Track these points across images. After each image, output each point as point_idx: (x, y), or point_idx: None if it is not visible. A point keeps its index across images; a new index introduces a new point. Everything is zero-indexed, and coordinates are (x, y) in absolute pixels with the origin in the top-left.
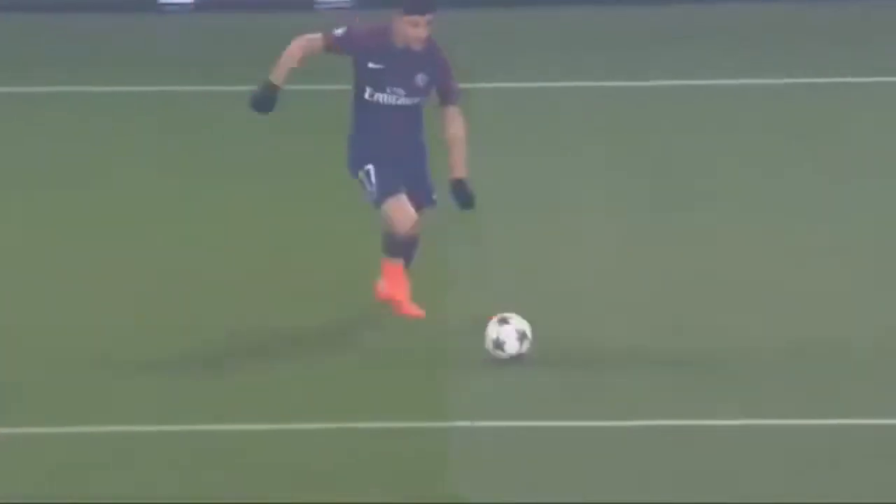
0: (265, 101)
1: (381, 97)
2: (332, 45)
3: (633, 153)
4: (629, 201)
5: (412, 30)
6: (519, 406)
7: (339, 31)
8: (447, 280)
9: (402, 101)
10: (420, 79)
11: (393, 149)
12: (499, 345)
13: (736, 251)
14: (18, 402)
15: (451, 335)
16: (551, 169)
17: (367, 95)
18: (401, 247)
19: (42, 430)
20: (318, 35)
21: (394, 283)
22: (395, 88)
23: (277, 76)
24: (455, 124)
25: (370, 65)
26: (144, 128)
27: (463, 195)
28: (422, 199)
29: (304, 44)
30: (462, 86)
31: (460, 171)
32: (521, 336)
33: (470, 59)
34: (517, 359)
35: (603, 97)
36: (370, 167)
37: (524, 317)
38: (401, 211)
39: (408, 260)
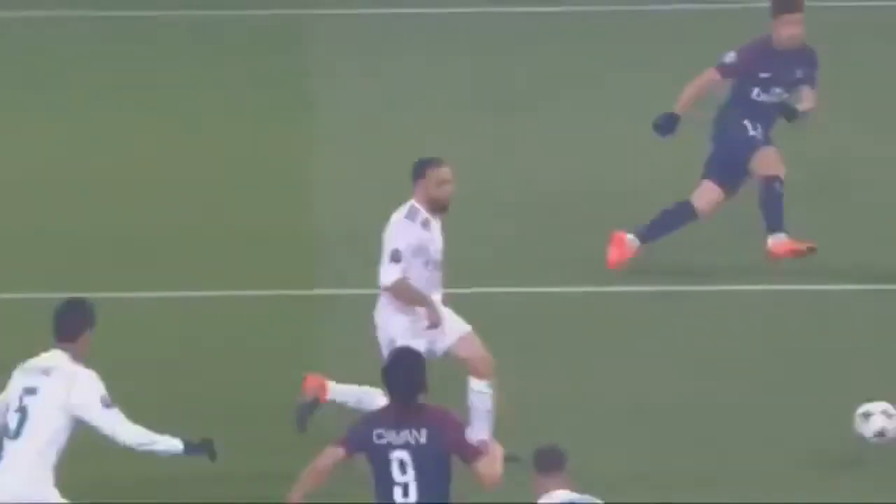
0: (667, 124)
1: (765, 97)
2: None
3: None
4: None
5: (788, 29)
6: None
7: (728, 60)
8: None
9: (779, 98)
10: (799, 73)
11: (753, 134)
12: (881, 434)
13: None
14: None
15: None
16: None
17: (753, 95)
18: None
19: None
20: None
21: (785, 249)
22: (776, 89)
23: (682, 107)
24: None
25: (762, 75)
26: None
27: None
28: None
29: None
30: None
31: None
32: (888, 415)
33: None
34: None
35: None
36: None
37: None
38: (705, 195)
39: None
